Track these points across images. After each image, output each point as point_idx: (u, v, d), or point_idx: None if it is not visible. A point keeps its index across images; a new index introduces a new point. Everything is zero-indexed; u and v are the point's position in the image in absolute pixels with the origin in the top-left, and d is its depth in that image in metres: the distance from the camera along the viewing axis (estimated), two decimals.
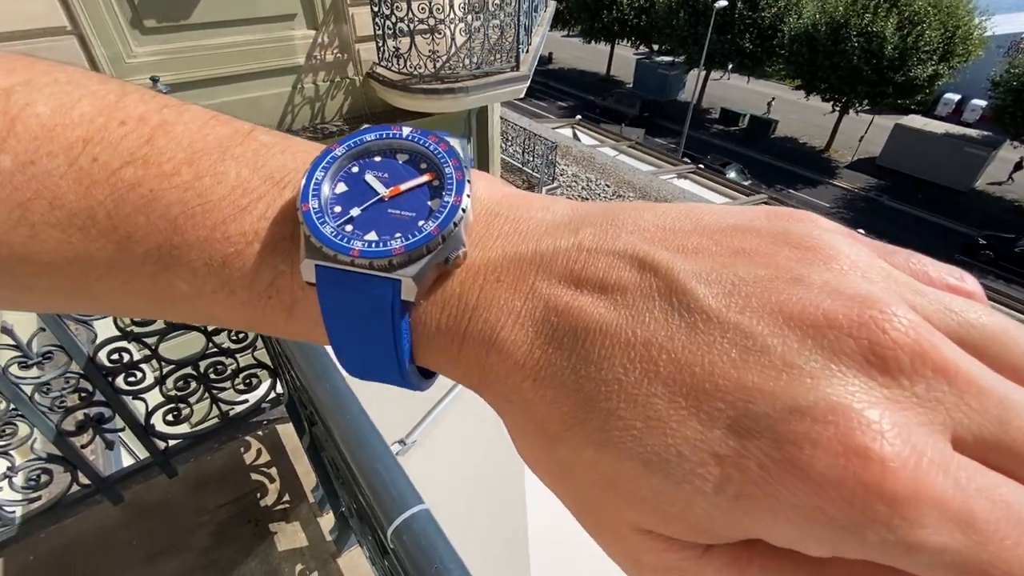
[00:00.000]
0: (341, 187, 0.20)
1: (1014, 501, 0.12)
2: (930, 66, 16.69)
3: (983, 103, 20.89)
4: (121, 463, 2.41)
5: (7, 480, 1.34)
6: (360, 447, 0.56)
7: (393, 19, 4.46)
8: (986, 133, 18.60)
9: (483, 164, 8.73)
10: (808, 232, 0.16)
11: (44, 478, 1.40)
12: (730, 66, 22.12)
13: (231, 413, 1.73)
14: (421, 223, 0.19)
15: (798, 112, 24.04)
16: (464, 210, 0.19)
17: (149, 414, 1.52)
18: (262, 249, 0.19)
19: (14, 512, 1.42)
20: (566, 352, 0.16)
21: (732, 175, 15.49)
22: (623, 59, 28.70)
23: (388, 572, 0.79)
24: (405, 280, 0.18)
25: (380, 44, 4.64)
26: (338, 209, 0.19)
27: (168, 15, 3.89)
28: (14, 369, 1.23)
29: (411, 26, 4.50)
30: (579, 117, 19.90)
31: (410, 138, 0.20)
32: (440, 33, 4.65)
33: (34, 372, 1.26)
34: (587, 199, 13.10)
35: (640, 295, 0.16)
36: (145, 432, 1.53)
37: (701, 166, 15.92)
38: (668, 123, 23.26)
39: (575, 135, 17.98)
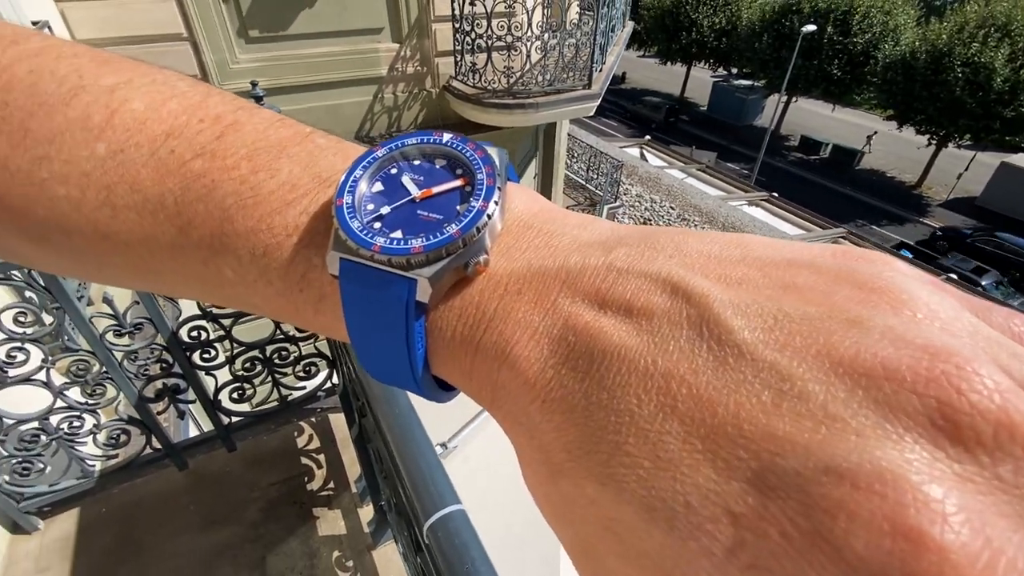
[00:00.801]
0: (378, 186, 0.20)
1: None
2: None
3: None
4: (189, 433, 2.60)
5: (92, 436, 1.48)
6: (405, 440, 0.58)
7: (473, 35, 4.62)
8: None
9: (547, 179, 8.80)
10: (878, 273, 0.14)
11: (123, 438, 1.54)
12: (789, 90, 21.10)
13: (289, 398, 1.83)
14: (446, 225, 0.19)
15: (887, 144, 22.51)
16: (489, 216, 0.18)
17: (218, 390, 1.64)
18: (298, 242, 0.20)
19: (94, 466, 1.57)
20: (580, 375, 0.15)
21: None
22: (699, 81, 28.10)
23: (420, 570, 0.80)
24: (421, 280, 0.18)
25: (458, 59, 4.81)
26: (371, 207, 0.20)
27: (270, 26, 4.23)
28: (109, 336, 1.37)
29: (489, 43, 4.64)
30: (648, 137, 19.65)
31: (449, 144, 0.21)
32: (516, 50, 4.76)
33: (125, 340, 1.40)
34: (649, 220, 12.85)
35: (667, 321, 0.14)
36: (213, 406, 1.64)
37: (775, 194, 15.21)
38: (742, 148, 22.46)
39: (643, 155, 17.75)
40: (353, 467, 1.78)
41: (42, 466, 1.45)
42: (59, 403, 1.38)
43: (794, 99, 22.43)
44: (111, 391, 1.45)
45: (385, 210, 0.20)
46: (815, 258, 0.15)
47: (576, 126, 15.87)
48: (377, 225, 0.19)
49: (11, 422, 1.35)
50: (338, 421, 1.91)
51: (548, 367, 0.16)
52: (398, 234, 0.19)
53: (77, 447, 1.49)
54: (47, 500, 1.52)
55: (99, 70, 0.21)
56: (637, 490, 0.13)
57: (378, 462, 1.03)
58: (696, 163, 17.55)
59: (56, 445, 1.45)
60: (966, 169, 18.94)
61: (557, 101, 5.01)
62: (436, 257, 0.18)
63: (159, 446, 1.62)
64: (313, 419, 1.95)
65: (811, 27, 16.08)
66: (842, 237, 13.52)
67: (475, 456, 2.94)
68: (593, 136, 17.02)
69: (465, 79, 4.99)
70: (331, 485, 1.75)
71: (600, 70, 5.43)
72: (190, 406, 1.78)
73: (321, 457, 1.85)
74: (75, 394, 1.41)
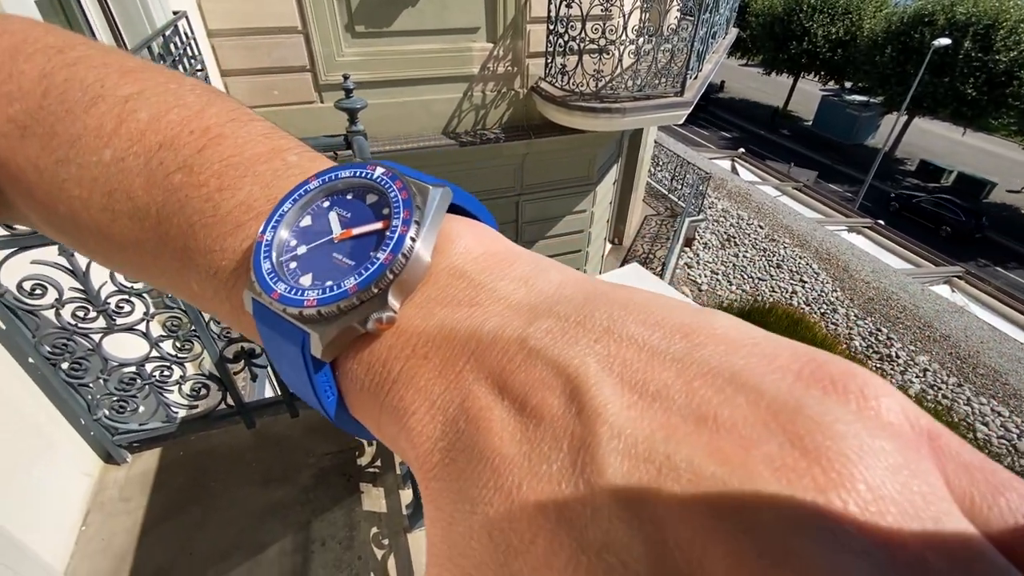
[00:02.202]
0: (306, 220, 0.19)
1: None
2: None
3: None
4: (264, 394, 2.82)
5: (178, 386, 1.64)
6: None
7: (566, 37, 4.61)
8: None
9: (627, 186, 8.62)
10: (829, 422, 0.11)
11: (203, 391, 1.69)
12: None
13: None
14: (347, 277, 0.17)
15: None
16: (394, 272, 0.17)
17: None
18: (238, 268, 0.20)
19: (177, 413, 1.74)
20: (456, 473, 0.14)
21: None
22: (805, 94, 26.25)
23: None
24: (312, 335, 0.17)
25: (549, 60, 4.83)
26: (292, 243, 0.19)
27: (375, 22, 4.47)
28: None
29: (581, 45, 4.61)
30: (741, 150, 18.64)
31: (378, 180, 0.19)
32: (608, 54, 4.69)
33: None
34: (734, 238, 12.20)
35: (550, 435, 0.13)
36: None
37: (880, 222, 13.87)
38: (848, 169, 20.69)
39: (734, 168, 16.88)
40: None
41: (135, 406, 1.63)
42: (154, 353, 1.55)
43: (915, 119, 20.31)
44: (197, 348, 1.61)
45: (302, 250, 0.19)
46: (765, 379, 0.12)
47: (665, 133, 15.39)
48: (293, 265, 0.19)
49: (115, 364, 1.53)
50: None
51: (436, 450, 0.15)
52: (306, 279, 0.18)
53: (165, 394, 1.67)
54: (136, 437, 1.71)
55: (121, 80, 0.23)
56: None
57: None
58: (793, 181, 16.42)
59: (148, 390, 1.62)
60: None
61: (645, 107, 4.89)
62: (329, 313, 0.17)
63: (232, 403, 1.76)
64: None
65: (945, 41, 14.49)
66: (957, 276, 12.08)
67: None
68: (681, 145, 16.43)
69: (553, 81, 5.00)
70: (378, 463, 1.83)
71: (695, 77, 5.22)
72: (263, 370, 1.93)
73: None
74: (168, 346, 1.58)
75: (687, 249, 11.20)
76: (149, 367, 1.58)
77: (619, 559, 0.10)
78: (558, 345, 0.14)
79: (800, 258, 11.45)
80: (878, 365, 9.20)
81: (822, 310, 10.35)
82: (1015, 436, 7.79)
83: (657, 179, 10.96)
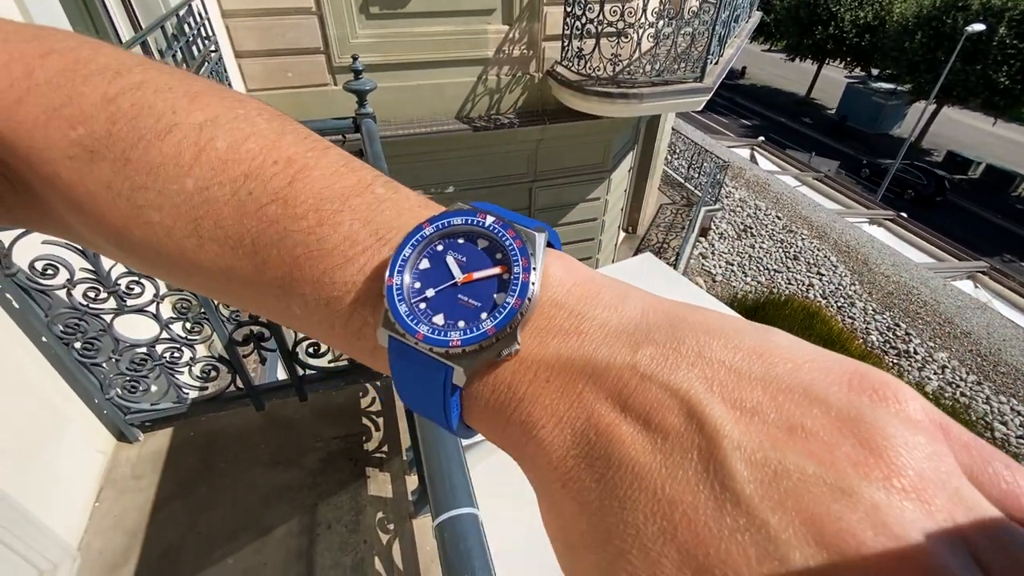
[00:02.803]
0: (424, 263, 0.22)
1: None
2: None
3: None
4: (274, 377, 2.85)
5: (188, 368, 1.66)
6: (430, 430, 0.57)
7: (583, 20, 4.51)
8: None
9: (643, 173, 8.49)
10: (882, 426, 0.15)
11: (213, 373, 1.71)
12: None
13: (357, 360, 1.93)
14: (483, 316, 0.21)
15: None
16: (522, 314, 0.20)
17: (296, 343, 1.76)
18: (355, 300, 0.22)
19: (188, 394, 1.76)
20: (596, 476, 0.17)
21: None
22: (829, 80, 25.52)
23: None
24: (457, 369, 0.20)
25: (565, 44, 4.73)
26: (418, 285, 0.22)
27: (389, 3, 4.41)
28: None
29: (599, 28, 4.51)
30: (761, 138, 18.24)
31: (491, 228, 0.22)
32: (627, 37, 4.58)
33: None
34: (750, 228, 11.99)
35: (679, 447, 0.16)
36: (290, 357, 1.78)
37: (903, 214, 13.54)
38: (873, 159, 20.17)
39: (753, 157, 16.54)
40: (407, 435, 1.85)
41: (146, 387, 1.65)
42: (164, 334, 1.56)
43: (944, 108, 19.67)
44: (207, 330, 1.61)
45: (430, 293, 0.22)
46: (829, 387, 0.16)
47: (683, 120, 15.08)
48: (423, 306, 0.21)
49: (126, 345, 1.55)
50: None
51: (569, 456, 0.17)
52: (440, 319, 0.21)
53: (175, 375, 1.68)
54: (148, 417, 1.73)
55: (190, 106, 0.24)
56: None
57: (414, 440, 1.05)
58: (814, 171, 16.05)
59: (159, 370, 1.64)
60: None
61: (663, 93, 4.78)
62: (472, 351, 0.20)
63: (242, 386, 1.78)
64: (379, 383, 2.05)
65: (979, 26, 13.93)
66: (981, 272, 11.76)
67: None
68: (700, 132, 16.11)
69: (570, 65, 4.90)
70: (385, 448, 1.84)
71: (716, 63, 5.09)
72: (272, 354, 1.94)
73: (380, 420, 1.94)
74: (178, 328, 1.59)
75: (702, 239, 11.04)
76: (160, 348, 1.60)
77: (755, 540, 0.14)
78: (664, 371, 0.17)
79: (818, 250, 11.23)
80: (895, 361, 9.04)
81: (839, 304, 10.17)
82: None
83: (674, 167, 10.78)
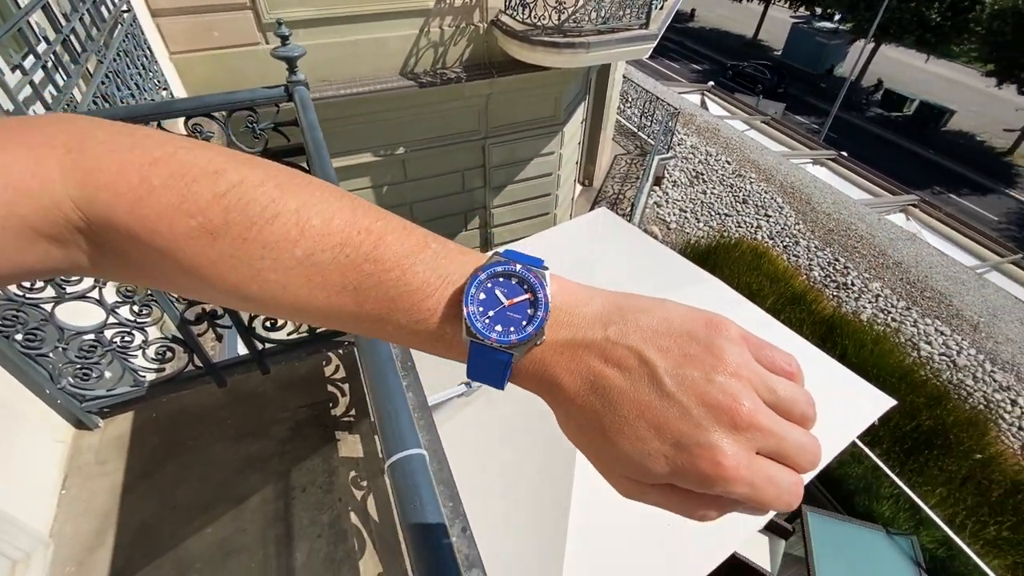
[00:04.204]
0: (482, 296, 0.34)
1: (774, 475, 0.29)
2: None
3: None
4: (236, 353, 2.82)
5: (141, 351, 1.64)
6: (378, 384, 0.62)
7: None
8: None
9: (596, 124, 8.46)
10: (718, 344, 0.30)
11: (168, 355, 1.69)
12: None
13: (318, 330, 1.95)
14: (525, 324, 0.33)
15: (981, 103, 20.21)
16: (546, 320, 0.33)
17: (252, 318, 1.76)
18: (440, 319, 0.34)
19: (144, 377, 1.75)
20: (599, 396, 0.31)
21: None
22: (776, 21, 25.64)
23: None
24: (516, 354, 0.33)
25: None
26: (481, 310, 0.34)
27: None
28: None
29: None
30: (711, 83, 18.33)
31: (520, 272, 0.35)
32: None
33: None
34: (702, 175, 12.26)
35: (638, 375, 0.30)
36: (247, 332, 1.78)
37: (843, 153, 14.10)
38: (816, 100, 20.69)
39: (703, 103, 16.67)
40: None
41: (100, 373, 1.63)
42: (111, 319, 1.53)
43: (881, 47, 20.19)
44: (156, 312, 1.59)
45: (491, 313, 0.34)
46: (696, 331, 0.31)
47: (634, 67, 14.92)
48: (487, 321, 0.34)
49: (71, 333, 1.51)
50: None
51: (581, 389, 0.32)
52: (499, 328, 0.33)
53: (129, 359, 1.66)
54: (106, 403, 1.71)
55: (283, 195, 0.32)
56: (630, 447, 0.30)
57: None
58: (761, 115, 16.36)
59: (111, 356, 1.61)
60: None
61: (610, 41, 4.74)
62: (522, 343, 0.33)
63: (201, 364, 1.77)
64: (340, 351, 2.08)
65: None
66: (912, 205, 12.52)
67: (496, 396, 3.08)
68: (652, 79, 16.03)
69: (514, 14, 4.77)
70: (352, 412, 1.89)
71: (660, 7, 5.05)
72: (228, 331, 1.93)
73: (346, 386, 1.98)
74: (125, 312, 1.56)
75: (656, 188, 11.22)
76: (109, 333, 1.57)
77: (678, 410, 0.29)
78: (623, 338, 0.31)
79: (766, 192, 11.63)
80: (835, 293, 9.66)
81: (785, 243, 10.67)
82: (955, 353, 8.42)
83: (626, 116, 10.77)
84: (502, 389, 0.36)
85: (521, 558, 2.50)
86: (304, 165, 1.62)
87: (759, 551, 3.85)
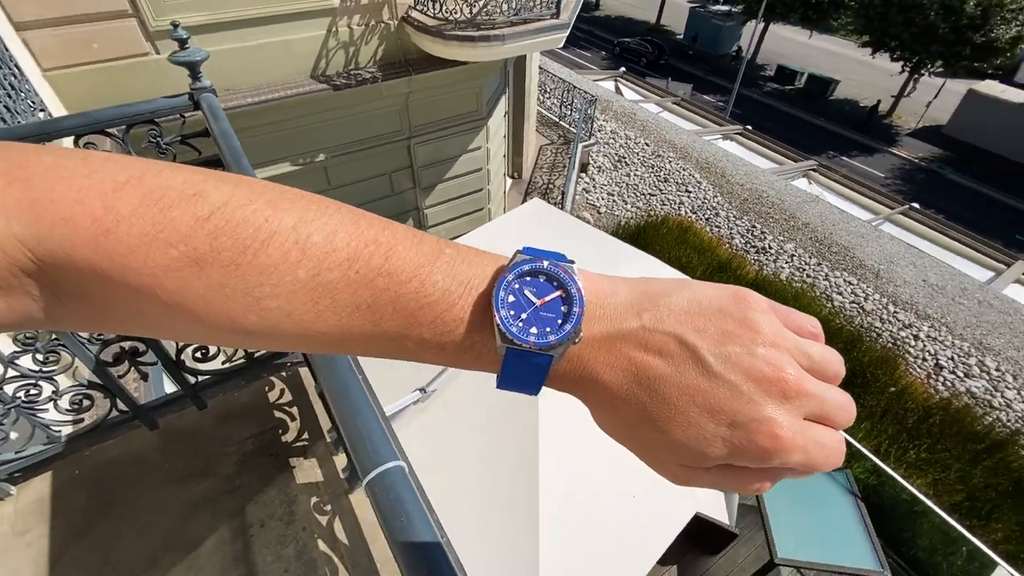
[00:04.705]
0: (512, 298, 0.32)
1: (822, 438, 0.29)
2: (1014, 27, 15.06)
3: None
4: (164, 391, 2.59)
5: (52, 402, 1.46)
6: (341, 398, 0.58)
7: None
8: None
9: (519, 117, 8.51)
10: (752, 318, 0.30)
11: (86, 402, 1.52)
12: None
13: (256, 355, 1.82)
14: (561, 323, 0.31)
15: (862, 72, 22.32)
16: (582, 318, 0.31)
17: (179, 350, 1.62)
18: (467, 329, 0.31)
19: (60, 431, 1.56)
20: (643, 387, 0.30)
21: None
22: (676, 7, 26.92)
23: None
24: (555, 355, 0.31)
25: None
26: (512, 312, 0.31)
27: None
28: None
29: None
30: (623, 70, 18.98)
31: (549, 268, 0.33)
32: None
33: None
34: (624, 158, 12.69)
35: (681, 360, 0.29)
36: (176, 367, 1.63)
37: (748, 127, 15.08)
38: (719, 79, 21.96)
39: (618, 89, 17.22)
40: (325, 417, 1.81)
41: (3, 435, 1.43)
42: (11, 372, 1.35)
43: (771, 26, 21.74)
44: (66, 357, 1.42)
45: (524, 315, 0.32)
46: (727, 307, 0.30)
47: (549, 58, 15.15)
48: (520, 324, 0.31)
49: None
50: (308, 374, 1.93)
51: (623, 384, 0.30)
52: (535, 330, 0.31)
53: (38, 414, 1.47)
54: (16, 466, 1.52)
55: (275, 213, 0.29)
56: (682, 434, 0.29)
57: (330, 417, 1.05)
58: (672, 96, 17.16)
59: (15, 414, 1.43)
60: (935, 97, 19.00)
61: (524, 32, 4.77)
62: (562, 344, 0.31)
63: (126, 408, 1.61)
64: (284, 373, 1.96)
65: None
66: (812, 170, 13.62)
67: (453, 400, 3.04)
68: (566, 69, 16.34)
69: (424, 8, 4.68)
70: (305, 436, 1.79)
71: None
72: (154, 367, 1.76)
73: (294, 410, 1.87)
74: (27, 362, 1.38)
75: (583, 175, 11.49)
76: (9, 389, 1.38)
77: (727, 388, 0.29)
78: (659, 324, 0.30)
79: (684, 170, 12.23)
80: (756, 258, 10.35)
81: (707, 216, 11.28)
82: (862, 299, 9.29)
83: (547, 107, 10.92)
84: (536, 395, 0.33)
85: (499, 554, 2.49)
86: None
87: (718, 507, 4.07)
